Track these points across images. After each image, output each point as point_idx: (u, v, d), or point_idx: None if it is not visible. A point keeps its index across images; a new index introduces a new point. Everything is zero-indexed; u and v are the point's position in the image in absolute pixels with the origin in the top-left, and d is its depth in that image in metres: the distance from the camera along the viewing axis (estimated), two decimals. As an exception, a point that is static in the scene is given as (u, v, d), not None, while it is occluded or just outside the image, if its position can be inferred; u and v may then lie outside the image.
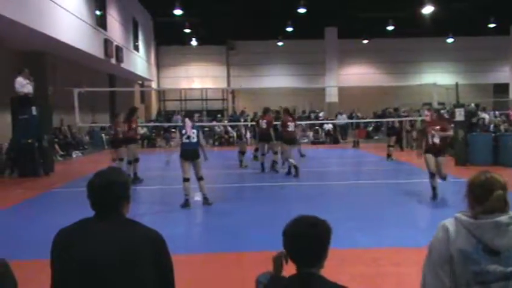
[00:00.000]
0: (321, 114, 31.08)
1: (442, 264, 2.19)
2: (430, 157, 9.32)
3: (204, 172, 9.19)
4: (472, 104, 18.51)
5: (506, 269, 2.10)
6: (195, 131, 8.92)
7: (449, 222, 2.26)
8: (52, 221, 6.42)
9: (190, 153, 8.88)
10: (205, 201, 9.10)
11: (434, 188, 9.19)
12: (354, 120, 27.05)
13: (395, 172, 14.11)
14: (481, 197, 2.20)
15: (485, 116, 19.95)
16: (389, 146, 16.52)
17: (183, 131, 8.94)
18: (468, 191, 2.30)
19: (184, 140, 8.88)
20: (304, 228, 2.12)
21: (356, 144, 22.95)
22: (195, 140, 8.88)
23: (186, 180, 8.93)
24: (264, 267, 2.40)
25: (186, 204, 8.89)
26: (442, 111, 17.62)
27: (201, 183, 9.07)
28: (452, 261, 2.16)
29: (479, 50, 35.02)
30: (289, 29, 31.13)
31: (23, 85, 13.81)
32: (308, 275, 2.09)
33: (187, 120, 9.06)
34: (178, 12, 24.73)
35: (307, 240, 2.09)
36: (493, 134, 15.56)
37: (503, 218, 2.14)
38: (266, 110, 14.24)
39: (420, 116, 18.74)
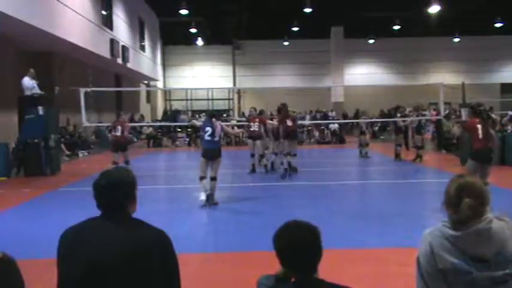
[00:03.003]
0: (330, 114, 31.04)
1: (432, 279, 2.16)
2: (475, 165, 7.63)
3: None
4: None
5: (499, 272, 2.06)
6: (218, 130, 8.83)
7: (432, 234, 2.21)
8: (58, 221, 6.43)
9: (211, 153, 8.81)
10: (211, 199, 8.94)
11: None
12: (356, 120, 26.95)
13: (401, 171, 14.05)
14: (454, 204, 2.16)
15: (492, 115, 19.77)
16: (397, 145, 16.39)
17: (206, 129, 8.80)
18: (444, 198, 2.26)
19: (206, 138, 8.79)
20: (298, 237, 2.07)
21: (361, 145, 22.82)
22: (216, 138, 8.81)
23: (202, 178, 8.88)
24: (268, 267, 2.39)
25: (207, 202, 8.81)
26: (447, 110, 17.38)
27: (212, 183, 8.92)
28: (444, 275, 2.12)
29: (486, 50, 34.89)
30: (295, 29, 31.16)
31: (30, 85, 13.89)
32: (311, 281, 2.07)
33: (214, 120, 8.96)
34: (184, 12, 24.77)
35: (304, 248, 2.05)
36: (500, 134, 15.46)
37: (483, 225, 2.09)
38: (279, 109, 14.50)
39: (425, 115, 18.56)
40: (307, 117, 28.58)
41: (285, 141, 13.98)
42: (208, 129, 8.79)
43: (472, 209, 2.12)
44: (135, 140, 26.35)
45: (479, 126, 7.73)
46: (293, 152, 13.14)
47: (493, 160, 7.86)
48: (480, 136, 7.67)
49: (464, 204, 2.12)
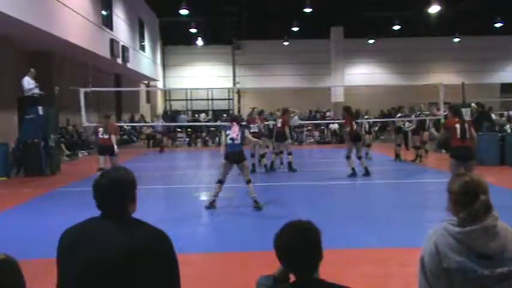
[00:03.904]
0: (328, 114, 31.02)
1: (436, 278, 2.16)
2: (456, 163, 8.01)
3: (213, 172, 9.15)
4: (473, 104, 18.26)
5: (504, 269, 2.08)
6: (239, 133, 8.67)
7: (437, 233, 2.22)
8: (58, 221, 6.43)
9: (234, 156, 8.62)
10: (256, 204, 8.63)
11: None
12: (356, 120, 26.91)
13: (400, 172, 14.05)
14: (464, 203, 2.17)
15: (492, 116, 19.76)
16: (397, 145, 16.40)
17: (228, 132, 8.72)
18: (450, 197, 2.26)
19: (228, 141, 8.65)
20: (299, 237, 2.06)
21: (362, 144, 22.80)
22: (238, 141, 8.62)
23: (219, 182, 8.65)
24: (268, 267, 2.39)
25: (211, 205, 8.64)
26: (446, 111, 17.32)
27: (249, 187, 8.72)
28: (449, 274, 2.12)
29: (486, 50, 34.86)
30: (295, 29, 31.15)
31: (30, 85, 13.89)
32: (311, 281, 2.07)
33: (234, 123, 8.84)
34: (184, 12, 24.77)
35: (305, 248, 2.05)
36: (500, 134, 15.48)
37: (489, 221, 2.11)
38: (285, 110, 14.53)
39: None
40: (295, 118, 28.37)
41: (286, 141, 14.00)
42: (229, 132, 8.69)
43: (485, 205, 2.14)
44: (135, 139, 26.37)
45: (457, 125, 8.11)
46: (359, 154, 12.66)
47: (473, 158, 8.19)
48: (458, 135, 8.03)
49: (481, 201, 2.14)
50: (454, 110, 8.66)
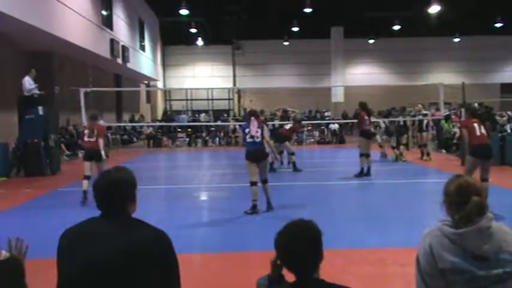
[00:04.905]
0: (326, 114, 31.06)
1: (432, 278, 2.17)
2: (474, 161, 8.08)
3: (213, 172, 9.13)
4: (476, 104, 18.29)
5: (499, 271, 2.08)
6: (259, 130, 8.20)
7: (431, 234, 2.23)
8: (58, 220, 6.43)
9: (256, 154, 8.19)
10: (269, 205, 8.43)
11: None
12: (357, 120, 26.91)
13: (400, 172, 14.05)
14: (458, 204, 2.18)
15: (496, 117, 19.77)
16: (393, 147, 16.46)
17: (246, 130, 8.30)
18: (445, 199, 2.28)
19: (248, 140, 8.24)
20: (300, 237, 2.07)
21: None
22: (259, 139, 8.16)
23: (253, 184, 8.22)
24: (268, 268, 2.39)
25: (253, 210, 8.22)
26: (448, 112, 17.38)
27: (265, 186, 8.38)
28: (445, 274, 2.13)
29: (486, 50, 34.88)
30: (295, 29, 31.18)
31: (30, 85, 13.89)
32: (311, 281, 2.07)
33: (253, 118, 8.31)
34: (184, 12, 24.78)
35: (305, 248, 2.05)
36: (500, 134, 15.46)
37: (484, 223, 2.12)
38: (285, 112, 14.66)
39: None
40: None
41: (286, 142, 14.00)
42: (248, 130, 8.26)
43: (478, 207, 2.14)
44: (135, 139, 26.34)
45: (475, 125, 8.21)
46: (365, 151, 12.49)
47: (492, 156, 8.25)
48: (478, 133, 8.10)
49: (473, 202, 2.15)
50: (471, 111, 8.98)
